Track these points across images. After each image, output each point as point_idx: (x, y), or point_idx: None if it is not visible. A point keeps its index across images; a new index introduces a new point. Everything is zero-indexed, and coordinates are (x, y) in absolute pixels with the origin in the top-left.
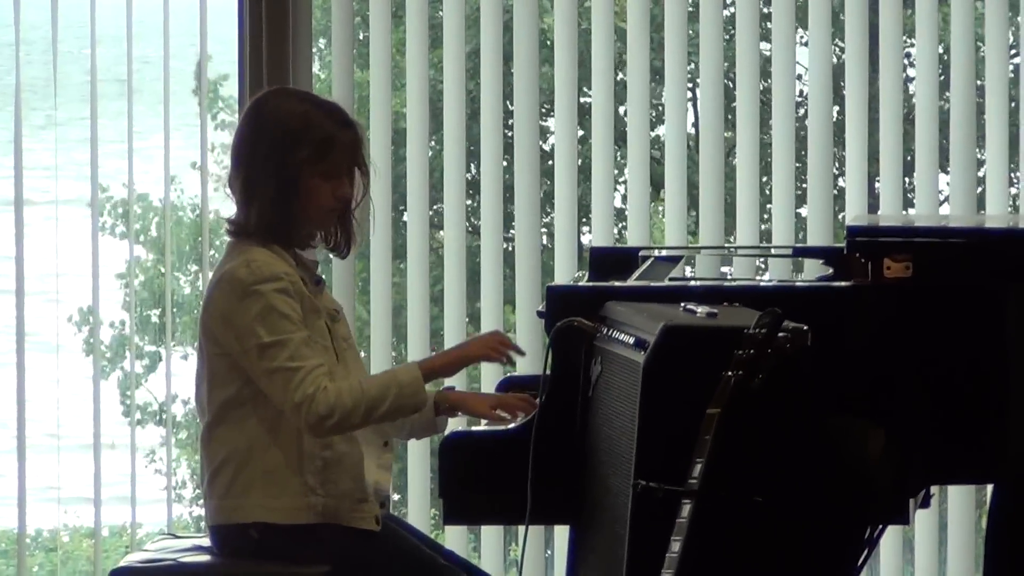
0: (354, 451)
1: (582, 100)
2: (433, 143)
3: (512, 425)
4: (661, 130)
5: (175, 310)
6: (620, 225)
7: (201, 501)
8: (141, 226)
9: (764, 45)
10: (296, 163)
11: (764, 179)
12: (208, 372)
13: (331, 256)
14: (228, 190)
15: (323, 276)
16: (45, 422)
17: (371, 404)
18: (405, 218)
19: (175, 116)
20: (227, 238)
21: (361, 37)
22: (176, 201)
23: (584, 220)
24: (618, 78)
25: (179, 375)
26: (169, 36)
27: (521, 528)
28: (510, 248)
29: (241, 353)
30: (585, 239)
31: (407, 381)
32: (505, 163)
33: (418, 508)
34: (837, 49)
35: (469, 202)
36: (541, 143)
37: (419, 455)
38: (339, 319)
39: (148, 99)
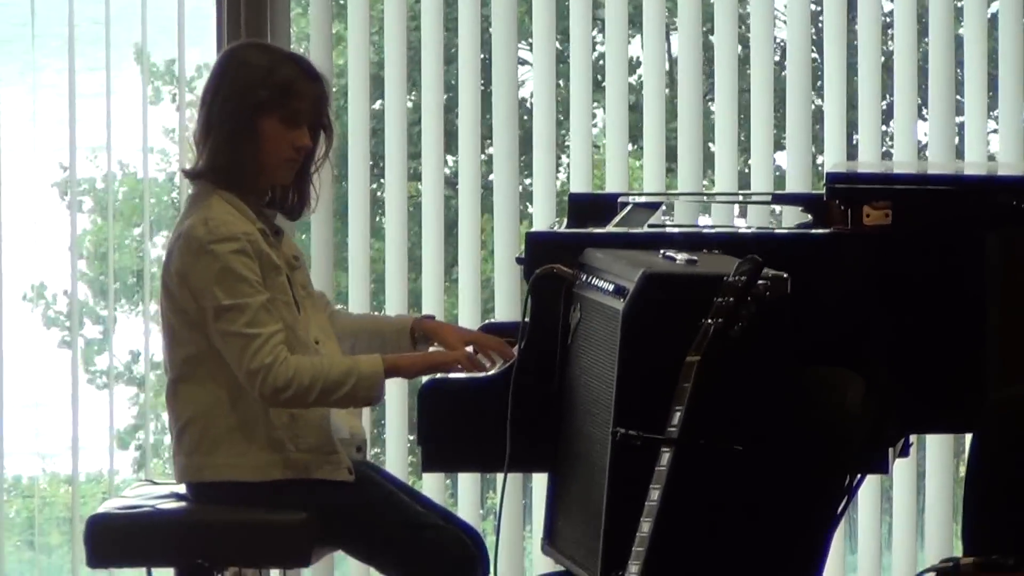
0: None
1: (560, 46)
2: (412, 95)
3: (491, 372)
4: (639, 74)
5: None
6: (597, 172)
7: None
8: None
9: None
10: (254, 104)
11: (742, 125)
12: (168, 329)
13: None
14: (192, 137)
15: (280, 227)
16: (23, 383)
17: (328, 387)
18: (374, 170)
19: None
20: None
21: None
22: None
23: (561, 165)
24: (596, 21)
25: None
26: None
27: (499, 476)
28: (488, 195)
29: (197, 311)
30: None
31: (367, 373)
32: (486, 117)
33: (395, 455)
34: None
35: (448, 155)
36: (520, 92)
37: (397, 402)
38: (298, 267)
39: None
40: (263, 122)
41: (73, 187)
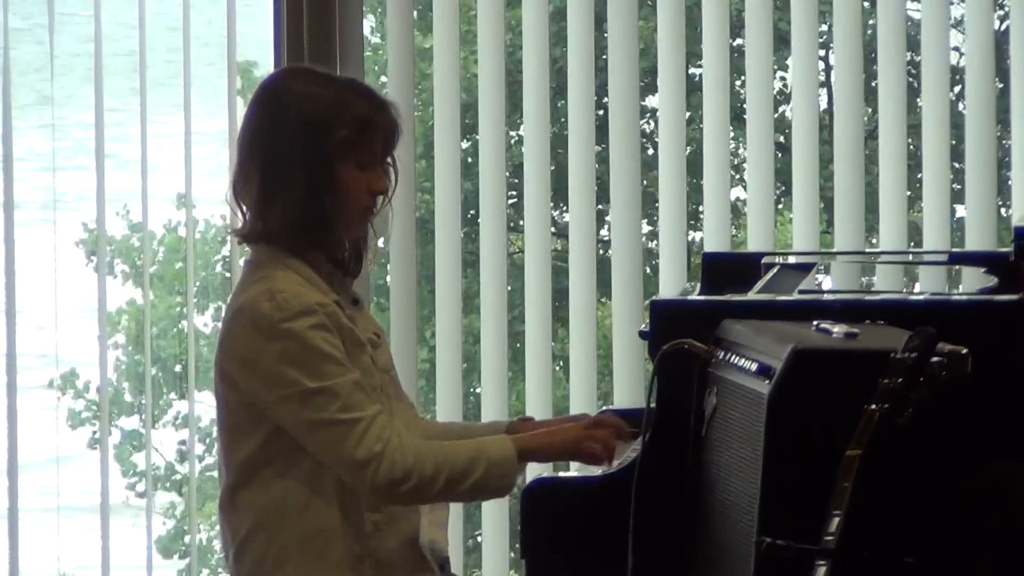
0: (410, 511)
1: (691, 71)
2: (510, 129)
3: (609, 469)
4: (787, 109)
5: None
6: (738, 225)
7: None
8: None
9: (912, 6)
10: (331, 146)
11: (911, 169)
12: (227, 424)
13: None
14: (233, 195)
15: (360, 295)
16: (41, 490)
17: (454, 476)
18: (477, 220)
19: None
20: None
21: None
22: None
23: (695, 220)
24: (734, 43)
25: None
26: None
27: None
28: (604, 254)
29: (272, 403)
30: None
31: (498, 458)
32: (598, 149)
33: (494, 572)
34: (1000, 11)
35: (554, 199)
36: (642, 124)
37: (495, 506)
38: (380, 344)
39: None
40: (340, 168)
41: (102, 248)
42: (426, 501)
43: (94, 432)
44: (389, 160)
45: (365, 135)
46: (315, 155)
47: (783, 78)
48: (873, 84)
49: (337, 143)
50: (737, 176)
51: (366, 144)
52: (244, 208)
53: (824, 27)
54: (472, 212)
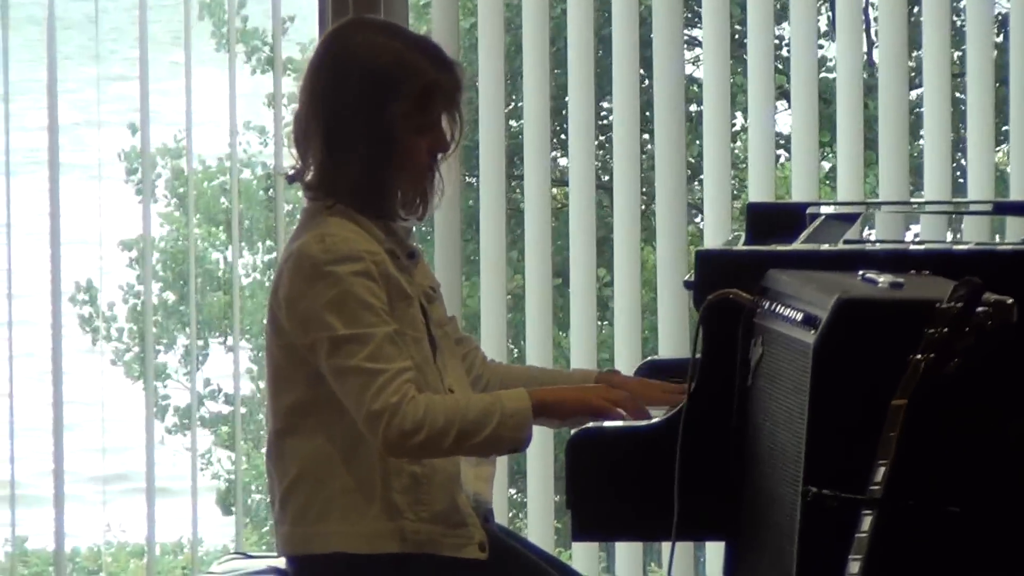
0: (450, 465)
1: (735, 24)
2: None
3: (654, 420)
4: (830, 52)
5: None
6: (781, 177)
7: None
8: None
9: None
10: (392, 117)
11: (955, 117)
12: (273, 369)
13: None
14: (292, 140)
15: (418, 247)
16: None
17: (466, 428)
18: (519, 172)
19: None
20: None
21: None
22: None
23: (738, 168)
24: None
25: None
26: None
27: (665, 545)
28: (647, 207)
29: (309, 346)
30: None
31: (512, 409)
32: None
33: (539, 522)
34: None
35: (598, 151)
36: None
37: (540, 457)
38: (436, 299)
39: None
40: (402, 133)
41: (147, 178)
42: (440, 454)
43: (131, 370)
44: (456, 115)
45: (429, 101)
46: (376, 120)
47: (828, 21)
48: (915, 30)
49: (400, 110)
50: (781, 137)
51: (430, 109)
52: (301, 155)
53: None
54: (518, 159)
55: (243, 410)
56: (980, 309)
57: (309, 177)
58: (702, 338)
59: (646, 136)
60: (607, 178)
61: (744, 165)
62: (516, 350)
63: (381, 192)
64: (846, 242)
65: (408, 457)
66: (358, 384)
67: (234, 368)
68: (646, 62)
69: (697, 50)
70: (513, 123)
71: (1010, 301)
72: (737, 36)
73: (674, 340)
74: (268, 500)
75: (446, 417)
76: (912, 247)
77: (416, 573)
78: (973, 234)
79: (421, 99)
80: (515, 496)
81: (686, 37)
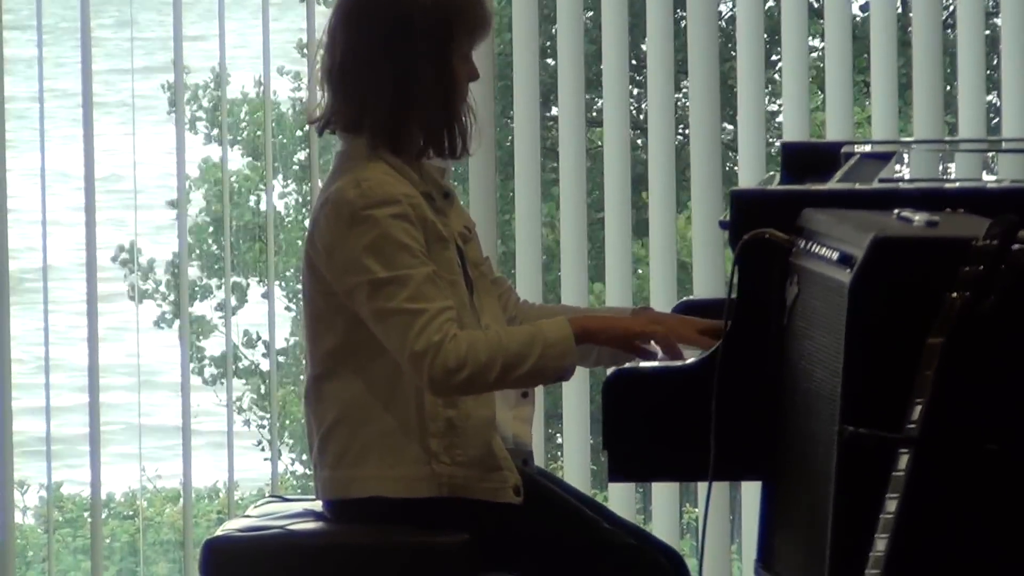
0: (485, 409)
1: None
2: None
3: (689, 360)
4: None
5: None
6: (815, 119)
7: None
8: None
9: None
10: (451, 40)
11: (990, 54)
12: (311, 314)
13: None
14: (326, 78)
15: (451, 189)
16: (118, 372)
17: (510, 361)
18: (553, 112)
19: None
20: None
21: None
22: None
23: (772, 107)
24: None
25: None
26: None
27: (701, 485)
28: (683, 146)
29: (348, 291)
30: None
31: (555, 338)
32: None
33: (575, 463)
34: None
35: (633, 88)
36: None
37: (576, 398)
38: (471, 239)
39: None
40: (455, 63)
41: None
42: (486, 389)
43: (163, 312)
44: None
45: (476, 25)
46: (440, 50)
47: None
48: None
49: (456, 36)
50: (814, 73)
51: (475, 36)
52: (334, 93)
53: None
54: (552, 97)
55: (280, 359)
56: (1016, 247)
57: (333, 111)
58: (738, 278)
59: (683, 80)
60: (642, 118)
61: (778, 106)
62: (552, 296)
63: (442, 132)
64: (881, 181)
65: (455, 395)
66: (400, 325)
67: (269, 308)
68: (680, 2)
69: None
70: (550, 61)
71: None
72: None
73: (710, 281)
74: (307, 443)
75: (489, 352)
76: (947, 185)
77: (452, 517)
78: (1008, 171)
79: (472, 25)
80: (552, 435)
81: None
